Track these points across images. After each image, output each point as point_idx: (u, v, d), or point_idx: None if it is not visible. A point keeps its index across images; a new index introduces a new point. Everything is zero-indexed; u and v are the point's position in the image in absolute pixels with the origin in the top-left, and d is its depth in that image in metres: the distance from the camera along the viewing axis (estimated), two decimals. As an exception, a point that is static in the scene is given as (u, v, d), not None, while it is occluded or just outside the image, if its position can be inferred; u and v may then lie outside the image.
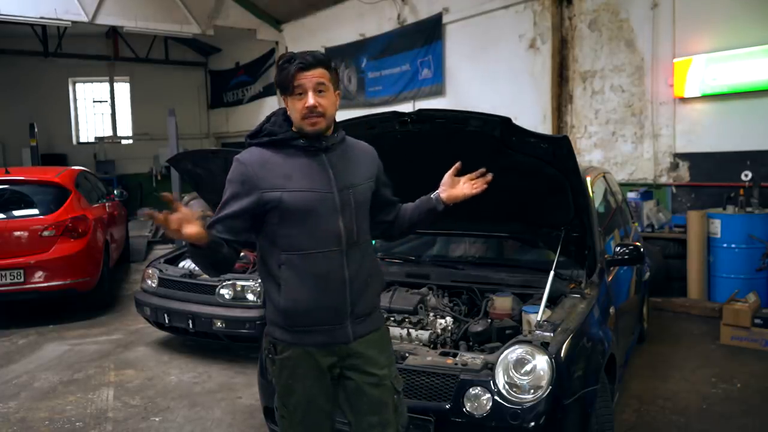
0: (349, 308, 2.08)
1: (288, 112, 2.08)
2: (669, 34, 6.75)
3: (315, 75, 2.00)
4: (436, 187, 2.33)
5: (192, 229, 1.85)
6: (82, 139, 16.58)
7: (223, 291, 4.84)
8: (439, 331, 3.14)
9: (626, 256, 3.56)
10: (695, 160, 6.71)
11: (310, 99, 1.99)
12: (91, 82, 16.58)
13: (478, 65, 8.85)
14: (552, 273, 3.18)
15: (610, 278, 3.58)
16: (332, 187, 2.05)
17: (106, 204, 7.73)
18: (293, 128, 2.07)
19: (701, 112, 6.62)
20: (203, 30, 12.26)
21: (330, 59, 2.09)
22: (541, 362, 2.56)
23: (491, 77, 8.64)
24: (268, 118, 2.13)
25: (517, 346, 2.65)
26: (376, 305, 2.21)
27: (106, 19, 11.28)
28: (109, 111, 16.43)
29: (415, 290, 3.49)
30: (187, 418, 3.93)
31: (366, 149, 2.26)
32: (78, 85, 16.57)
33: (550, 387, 2.50)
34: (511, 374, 2.57)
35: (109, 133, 16.49)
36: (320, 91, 2.01)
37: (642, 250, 3.60)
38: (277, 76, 2.05)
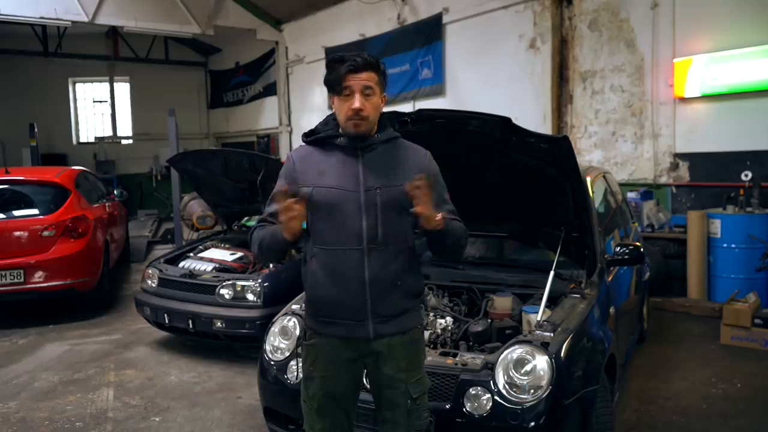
0: (370, 308, 2.10)
1: (335, 111, 2.15)
2: (669, 34, 6.75)
3: (363, 78, 2.07)
4: None
5: (298, 225, 2.01)
6: (82, 139, 16.59)
7: (223, 291, 4.84)
8: (439, 331, 3.14)
9: (626, 256, 3.56)
10: (695, 160, 6.72)
11: (356, 102, 2.06)
12: (91, 82, 16.59)
13: (478, 65, 8.85)
14: (552, 273, 3.18)
15: (610, 278, 3.58)
16: (359, 186, 2.09)
17: (106, 204, 7.72)
18: (340, 126, 2.15)
19: (701, 112, 6.62)
20: (203, 30, 12.27)
21: (379, 62, 2.13)
22: (541, 362, 2.57)
23: (491, 77, 8.64)
24: (325, 119, 2.24)
25: (517, 346, 2.66)
26: (406, 308, 2.18)
27: (106, 19, 11.29)
28: (109, 111, 16.44)
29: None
30: (187, 418, 3.93)
31: (416, 153, 2.24)
32: (78, 85, 16.58)
33: (550, 387, 2.51)
34: (511, 374, 2.58)
35: (109, 133, 16.50)
36: (367, 95, 2.08)
37: (642, 250, 3.60)
38: (327, 75, 2.11)
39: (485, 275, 3.63)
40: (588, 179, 3.78)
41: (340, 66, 2.06)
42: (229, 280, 4.89)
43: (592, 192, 3.75)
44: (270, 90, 14.10)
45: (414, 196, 1.99)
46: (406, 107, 8.26)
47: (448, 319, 3.21)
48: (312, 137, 2.21)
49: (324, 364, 2.17)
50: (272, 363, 3.09)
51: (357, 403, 2.30)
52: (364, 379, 2.30)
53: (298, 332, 3.12)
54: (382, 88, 2.16)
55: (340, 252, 2.07)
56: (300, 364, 2.31)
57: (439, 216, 2.04)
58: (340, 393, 2.19)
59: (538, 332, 2.75)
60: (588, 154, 7.60)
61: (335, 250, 2.08)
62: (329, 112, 2.23)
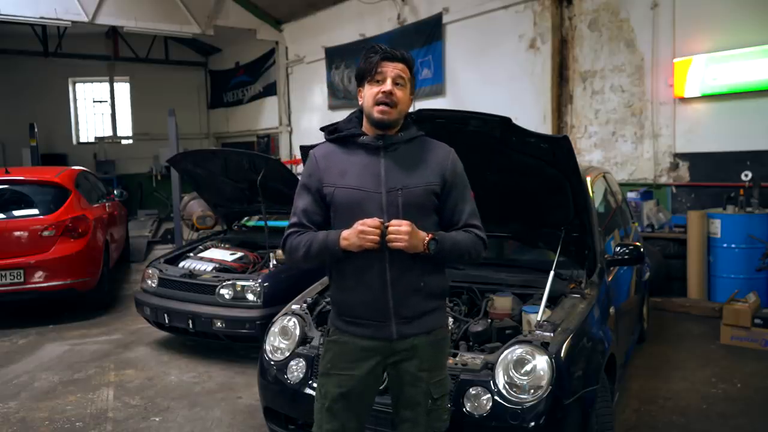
0: (392, 309, 2.10)
1: (361, 102, 2.15)
2: (669, 34, 6.75)
3: (397, 67, 2.09)
4: None
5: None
6: (82, 139, 16.60)
7: (223, 291, 4.84)
8: (439, 331, 3.13)
9: (626, 256, 3.56)
10: (695, 160, 6.72)
11: (388, 85, 2.06)
12: (91, 82, 16.60)
13: (478, 65, 8.85)
14: (552, 273, 3.18)
15: (610, 278, 3.58)
16: (380, 187, 2.09)
17: (106, 204, 7.72)
18: (362, 125, 2.17)
19: (701, 112, 6.62)
20: (203, 30, 12.27)
21: (413, 60, 2.17)
22: (541, 362, 2.57)
23: (491, 77, 8.64)
24: (348, 117, 2.23)
25: (517, 346, 2.66)
26: (429, 309, 2.16)
27: (106, 19, 11.30)
28: (109, 111, 16.44)
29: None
30: (187, 418, 3.93)
31: (439, 152, 2.21)
32: (78, 85, 16.58)
33: (550, 387, 2.51)
34: (511, 374, 2.58)
35: (109, 133, 16.50)
36: (398, 84, 2.09)
37: (642, 250, 3.60)
38: (360, 65, 2.13)
39: (485, 275, 3.62)
40: (588, 179, 3.78)
41: (375, 54, 2.09)
42: (229, 280, 4.88)
43: (592, 192, 3.75)
44: (270, 90, 14.10)
45: (392, 239, 2.00)
46: (406, 107, 8.24)
47: (449, 319, 3.21)
48: (334, 135, 2.20)
49: (343, 362, 2.16)
50: (272, 363, 3.09)
51: (370, 410, 2.27)
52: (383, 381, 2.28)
53: (298, 332, 3.12)
54: (411, 89, 2.16)
55: (362, 254, 2.04)
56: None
57: (427, 239, 2.03)
58: (355, 395, 2.16)
59: (538, 332, 2.75)
60: (588, 154, 7.59)
61: (356, 252, 2.05)
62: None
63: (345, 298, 2.16)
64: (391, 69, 2.08)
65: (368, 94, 2.10)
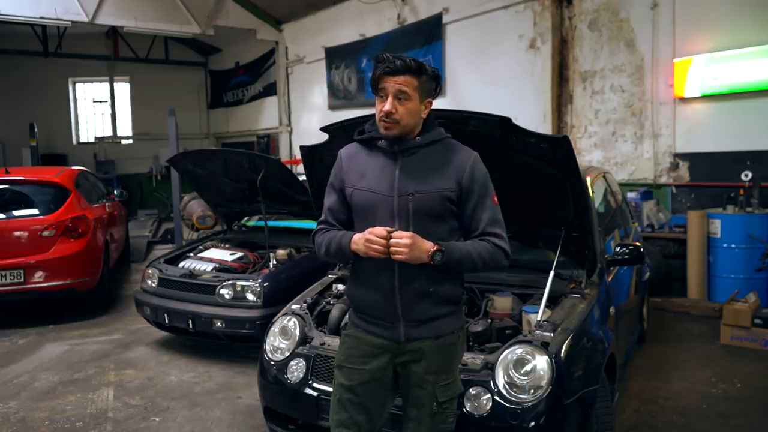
0: (401, 312, 2.11)
1: None
2: (669, 34, 6.75)
3: (398, 81, 2.03)
4: None
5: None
6: (82, 139, 16.60)
7: (223, 291, 4.83)
8: (439, 331, 3.13)
9: (626, 256, 3.56)
10: (695, 160, 6.72)
11: (387, 105, 2.04)
12: (91, 82, 16.60)
13: (478, 65, 8.85)
14: (552, 273, 3.18)
15: (610, 278, 3.58)
16: (393, 191, 2.08)
17: (106, 204, 7.72)
18: None
19: (701, 112, 6.62)
20: (203, 30, 12.27)
21: (421, 67, 2.07)
22: (541, 362, 2.57)
23: (491, 77, 8.64)
24: (374, 119, 2.21)
25: (517, 346, 2.66)
26: (439, 314, 2.14)
27: (106, 19, 11.31)
28: (109, 111, 16.45)
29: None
30: (187, 418, 3.93)
31: (459, 157, 2.13)
32: (78, 85, 16.59)
33: (550, 387, 2.51)
34: (511, 374, 2.58)
35: (109, 133, 16.50)
36: (400, 98, 2.04)
37: (642, 250, 3.60)
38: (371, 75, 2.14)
39: (485, 275, 3.62)
40: (588, 179, 3.77)
41: (380, 64, 2.06)
42: (229, 280, 4.88)
43: (592, 192, 3.75)
44: (270, 90, 14.11)
45: (392, 251, 1.99)
46: (406, 107, 8.22)
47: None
48: (360, 137, 2.22)
49: (355, 357, 2.19)
50: (272, 363, 3.09)
51: (384, 409, 2.25)
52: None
53: (298, 332, 3.12)
54: (426, 94, 2.11)
55: (372, 258, 2.04)
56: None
57: (432, 250, 2.00)
58: (364, 390, 2.16)
59: (538, 332, 2.75)
60: (588, 154, 7.59)
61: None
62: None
63: (357, 296, 2.23)
64: (392, 84, 2.03)
65: (376, 107, 2.11)
